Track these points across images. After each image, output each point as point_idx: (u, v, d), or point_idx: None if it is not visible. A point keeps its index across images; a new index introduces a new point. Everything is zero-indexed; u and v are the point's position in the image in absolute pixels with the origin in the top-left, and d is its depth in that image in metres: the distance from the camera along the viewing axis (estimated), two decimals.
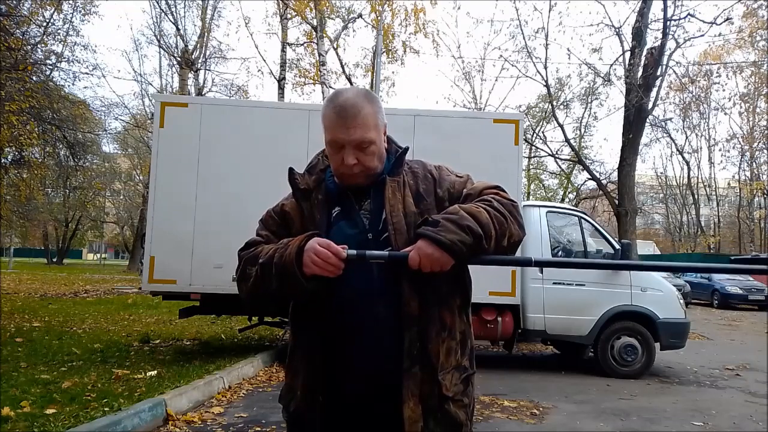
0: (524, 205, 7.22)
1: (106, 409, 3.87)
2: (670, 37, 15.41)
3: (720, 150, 35.25)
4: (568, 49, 37.42)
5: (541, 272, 6.81)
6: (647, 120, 17.48)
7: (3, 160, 13.50)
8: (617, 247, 7.09)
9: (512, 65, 20.69)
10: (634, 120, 15.39)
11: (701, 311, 18.09)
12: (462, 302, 1.44)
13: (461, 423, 1.37)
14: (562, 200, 28.70)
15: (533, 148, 24.77)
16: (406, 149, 1.48)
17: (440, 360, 1.34)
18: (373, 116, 1.37)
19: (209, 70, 22.93)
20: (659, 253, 31.84)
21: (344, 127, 1.34)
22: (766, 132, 30.66)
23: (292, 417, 1.42)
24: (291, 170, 1.48)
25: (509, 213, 1.35)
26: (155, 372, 5.28)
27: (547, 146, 24.41)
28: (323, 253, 1.25)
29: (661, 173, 40.50)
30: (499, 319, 6.62)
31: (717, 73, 22.59)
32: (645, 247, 29.50)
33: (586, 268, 6.45)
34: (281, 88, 17.89)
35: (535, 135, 24.89)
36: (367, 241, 1.36)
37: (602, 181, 19.20)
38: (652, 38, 15.73)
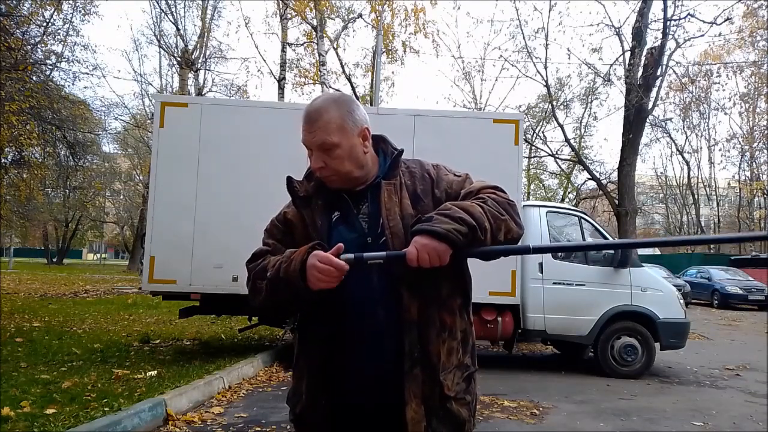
0: (524, 205, 7.23)
1: (106, 409, 3.87)
2: (670, 37, 15.40)
3: (720, 150, 35.30)
4: (568, 49, 37.45)
5: (541, 272, 6.83)
6: (647, 120, 17.46)
7: (3, 160, 13.49)
8: (615, 250, 7.08)
9: (512, 65, 20.65)
10: (634, 120, 15.37)
11: (701, 311, 18.09)
12: (462, 301, 1.44)
13: (464, 420, 1.38)
14: (562, 200, 28.69)
15: (533, 148, 24.73)
16: (401, 151, 1.48)
17: (441, 360, 1.35)
18: (338, 119, 1.37)
19: (209, 70, 22.98)
20: (659, 253, 31.81)
21: (307, 131, 1.38)
22: (766, 132, 30.64)
23: (298, 419, 1.45)
24: (289, 179, 1.48)
25: (505, 210, 1.35)
26: (155, 372, 5.28)
27: (547, 146, 24.40)
28: (325, 270, 1.26)
29: (661, 173, 40.54)
30: (499, 319, 6.62)
31: (717, 73, 22.53)
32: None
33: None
34: (281, 88, 17.89)
35: (535, 135, 24.85)
36: (367, 245, 1.37)
37: (602, 181, 19.18)
38: (652, 38, 15.72)
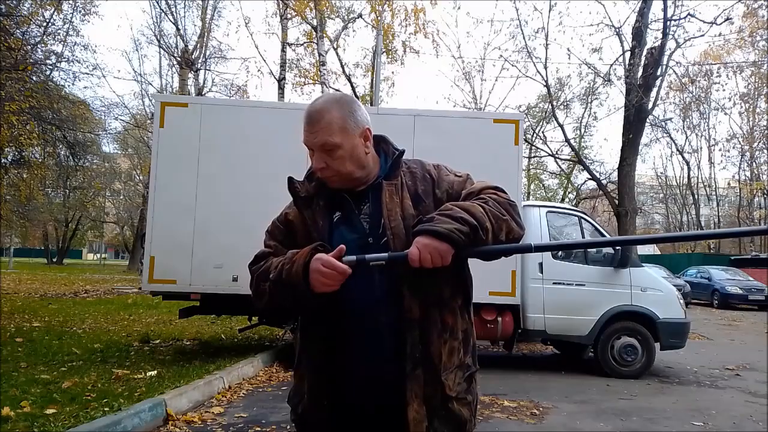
0: (524, 205, 7.23)
1: (106, 409, 3.87)
2: (670, 37, 15.41)
3: (720, 150, 35.25)
4: (568, 49, 37.43)
5: (541, 272, 6.83)
6: (647, 120, 17.47)
7: (3, 160, 13.50)
8: (617, 246, 7.09)
9: (512, 65, 20.68)
10: (634, 120, 15.38)
11: (701, 311, 18.08)
12: (463, 302, 1.45)
13: (465, 420, 1.39)
14: (562, 200, 28.69)
15: (533, 148, 24.74)
16: (402, 152, 1.48)
17: (443, 361, 1.35)
18: (339, 120, 1.37)
19: (209, 70, 22.98)
20: (659, 253, 31.81)
21: (309, 132, 1.37)
22: (766, 132, 30.65)
23: (300, 419, 1.46)
24: (290, 179, 1.48)
25: (506, 210, 1.35)
26: (155, 372, 5.28)
27: (547, 146, 24.41)
28: (328, 274, 1.26)
29: (661, 173, 40.54)
30: (499, 319, 6.62)
31: (717, 73, 22.48)
32: (645, 247, 29.50)
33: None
34: (281, 88, 17.88)
35: (535, 135, 24.86)
36: (368, 246, 1.36)
37: (602, 181, 19.19)
38: (652, 38, 15.74)
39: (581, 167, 21.39)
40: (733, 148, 33.64)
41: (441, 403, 1.34)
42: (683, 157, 36.33)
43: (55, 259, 39.59)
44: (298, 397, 1.45)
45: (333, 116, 1.36)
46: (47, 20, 13.20)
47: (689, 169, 36.63)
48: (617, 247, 7.04)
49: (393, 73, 24.03)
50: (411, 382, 1.32)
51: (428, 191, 1.43)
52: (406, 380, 1.32)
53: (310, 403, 1.40)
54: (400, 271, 1.31)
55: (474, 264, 1.44)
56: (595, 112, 29.10)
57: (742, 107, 31.92)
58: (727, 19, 15.85)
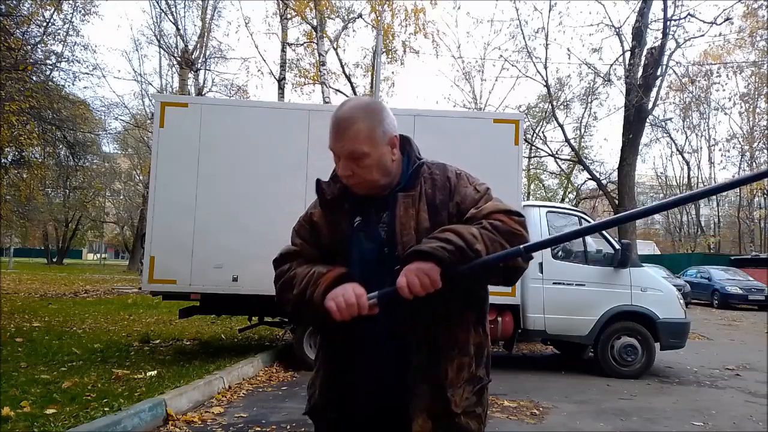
0: (524, 205, 7.23)
1: (106, 409, 3.87)
2: (670, 37, 15.42)
3: (720, 150, 35.23)
4: (568, 49, 37.40)
5: (541, 272, 6.82)
6: (647, 120, 17.47)
7: (3, 160, 13.50)
8: (617, 247, 7.08)
9: (512, 65, 20.71)
10: (634, 120, 15.38)
11: (701, 311, 18.08)
12: (477, 317, 1.43)
13: (473, 431, 1.37)
14: (562, 200, 28.70)
15: (533, 148, 24.77)
16: (423, 163, 1.46)
17: (449, 377, 1.34)
18: (368, 129, 1.35)
19: (209, 70, 22.98)
20: (659, 253, 31.79)
21: (336, 140, 1.37)
22: (766, 132, 30.65)
23: (311, 411, 1.49)
24: (318, 181, 1.49)
25: (506, 240, 1.29)
26: (155, 372, 5.28)
27: (547, 146, 24.44)
28: (340, 311, 1.27)
29: (661, 173, 40.56)
30: (499, 319, 6.61)
31: (717, 73, 22.43)
32: (645, 247, 29.46)
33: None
34: (281, 88, 17.88)
35: (535, 135, 24.88)
36: (384, 256, 1.36)
37: (602, 181, 19.20)
38: (652, 38, 15.75)
39: (581, 167, 21.41)
40: (733, 148, 33.66)
41: (447, 419, 1.33)
42: (683, 157, 36.38)
43: (55, 259, 39.59)
44: (313, 388, 1.48)
45: (361, 126, 1.35)
46: (47, 20, 13.21)
47: (689, 169, 36.71)
48: (617, 248, 7.01)
49: (393, 73, 24.06)
50: (416, 398, 1.31)
51: (445, 201, 1.40)
52: (411, 396, 1.32)
53: (320, 398, 1.43)
54: (399, 303, 1.27)
55: None
56: (595, 112, 29.11)
57: (742, 107, 31.92)
58: (727, 19, 15.88)
